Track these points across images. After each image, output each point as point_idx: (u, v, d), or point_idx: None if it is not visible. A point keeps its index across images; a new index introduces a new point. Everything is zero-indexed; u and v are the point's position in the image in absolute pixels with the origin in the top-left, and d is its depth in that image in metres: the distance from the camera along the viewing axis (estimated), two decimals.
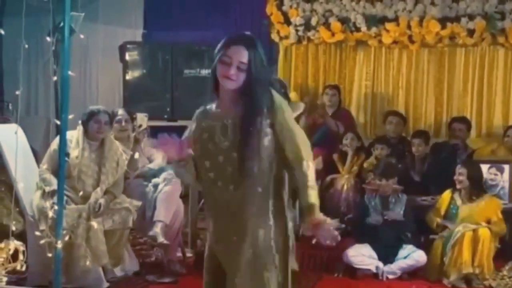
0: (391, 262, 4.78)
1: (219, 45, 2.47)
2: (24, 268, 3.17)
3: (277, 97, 2.49)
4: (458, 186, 4.87)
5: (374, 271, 4.76)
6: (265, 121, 2.44)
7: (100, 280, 4.31)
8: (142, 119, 4.91)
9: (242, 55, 2.42)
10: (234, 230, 2.49)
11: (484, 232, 4.60)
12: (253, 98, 2.43)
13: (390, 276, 4.75)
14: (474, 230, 4.62)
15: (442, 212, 4.94)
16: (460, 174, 4.85)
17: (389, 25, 6.35)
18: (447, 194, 4.96)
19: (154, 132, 5.00)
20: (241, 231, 2.48)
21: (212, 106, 2.55)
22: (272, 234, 2.48)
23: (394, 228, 4.86)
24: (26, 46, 3.03)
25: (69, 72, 2.88)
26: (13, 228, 3.10)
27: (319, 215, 2.41)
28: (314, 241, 2.45)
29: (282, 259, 2.50)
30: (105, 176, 4.42)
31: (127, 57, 6.31)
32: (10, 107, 5.16)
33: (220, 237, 2.55)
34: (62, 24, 2.91)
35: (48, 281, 3.83)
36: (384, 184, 4.95)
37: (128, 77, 6.32)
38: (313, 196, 2.43)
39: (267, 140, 2.44)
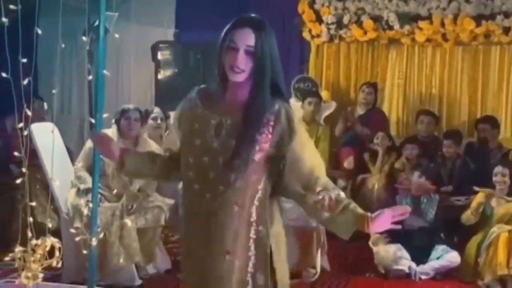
0: (424, 262, 4.73)
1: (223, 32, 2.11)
2: (59, 265, 3.20)
3: (292, 113, 2.10)
4: (500, 187, 4.76)
5: (407, 271, 4.71)
6: (268, 136, 2.05)
7: (133, 277, 4.37)
8: None
9: (249, 38, 2.04)
10: (206, 244, 2.11)
11: None
12: (260, 96, 2.05)
13: (423, 277, 4.70)
14: (510, 231, 4.54)
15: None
16: (504, 175, 4.75)
17: (422, 23, 6.29)
18: (481, 195, 4.87)
19: None
20: (214, 250, 2.09)
21: (218, 93, 2.15)
22: (250, 267, 2.09)
23: (427, 228, 4.82)
24: (63, 45, 3.06)
25: (104, 71, 2.90)
26: (49, 225, 3.13)
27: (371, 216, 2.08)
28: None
29: None
30: None
31: (159, 56, 6.37)
32: (46, 106, 5.22)
33: (192, 248, 2.18)
34: (97, 23, 2.93)
35: (83, 278, 3.89)
36: (420, 182, 4.90)
37: (160, 76, 6.37)
38: (358, 207, 2.10)
39: (258, 157, 2.06)
